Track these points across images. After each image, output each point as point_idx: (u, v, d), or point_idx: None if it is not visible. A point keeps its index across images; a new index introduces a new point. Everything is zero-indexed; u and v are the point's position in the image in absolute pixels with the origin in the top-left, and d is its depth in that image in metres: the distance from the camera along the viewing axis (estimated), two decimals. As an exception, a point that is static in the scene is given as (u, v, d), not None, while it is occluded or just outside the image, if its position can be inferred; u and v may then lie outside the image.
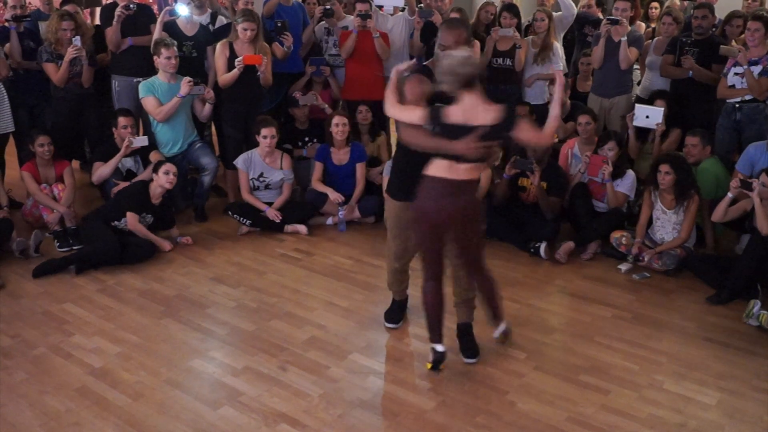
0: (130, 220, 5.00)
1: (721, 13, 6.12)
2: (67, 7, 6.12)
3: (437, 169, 3.35)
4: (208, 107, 5.75)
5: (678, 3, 6.89)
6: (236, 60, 5.43)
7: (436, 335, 3.62)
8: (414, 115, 3.38)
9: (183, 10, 5.79)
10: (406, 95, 3.50)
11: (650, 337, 4.09)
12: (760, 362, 3.83)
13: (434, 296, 3.57)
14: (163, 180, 5.10)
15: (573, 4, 6.59)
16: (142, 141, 5.49)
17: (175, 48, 5.51)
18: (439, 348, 3.60)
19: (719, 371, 3.74)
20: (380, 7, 6.32)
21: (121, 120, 5.48)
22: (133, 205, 5.05)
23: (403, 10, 6.45)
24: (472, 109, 3.28)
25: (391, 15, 6.35)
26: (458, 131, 3.27)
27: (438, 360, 3.60)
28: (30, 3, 6.57)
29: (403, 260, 3.94)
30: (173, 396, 3.47)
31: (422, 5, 6.37)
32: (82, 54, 5.64)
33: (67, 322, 4.16)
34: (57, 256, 4.92)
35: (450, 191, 3.35)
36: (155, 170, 5.15)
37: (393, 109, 3.48)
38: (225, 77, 5.56)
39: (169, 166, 5.14)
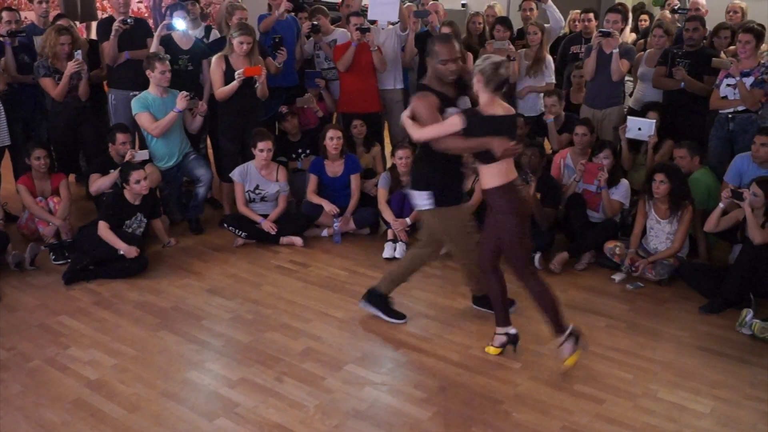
0: (101, 230, 4.94)
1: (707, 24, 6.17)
2: (61, 22, 6.15)
3: (503, 175, 3.68)
4: (198, 119, 5.77)
5: (669, 16, 6.96)
6: (236, 72, 5.45)
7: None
8: (451, 124, 3.65)
9: (180, 24, 5.82)
10: (423, 115, 3.81)
11: (644, 346, 4.11)
12: (754, 371, 3.86)
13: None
14: (136, 189, 5.07)
15: (561, 17, 6.66)
16: (143, 155, 5.50)
17: (168, 62, 5.54)
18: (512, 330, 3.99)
19: (713, 380, 3.76)
20: (373, 22, 6.36)
21: (120, 137, 5.48)
22: (110, 217, 5.02)
23: (394, 24, 6.50)
24: (501, 106, 3.72)
25: (383, 29, 6.39)
26: (501, 122, 3.66)
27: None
28: (26, 18, 6.60)
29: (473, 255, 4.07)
30: (169, 408, 3.47)
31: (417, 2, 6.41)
32: (84, 68, 5.67)
33: (62, 334, 4.16)
34: (53, 269, 4.95)
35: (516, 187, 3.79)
36: (125, 180, 5.11)
37: (424, 132, 3.77)
38: (223, 90, 5.58)
39: (138, 174, 5.07)
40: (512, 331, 3.94)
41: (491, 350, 3.96)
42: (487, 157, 3.63)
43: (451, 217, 4.06)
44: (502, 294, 3.94)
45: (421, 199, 4.01)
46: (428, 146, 3.87)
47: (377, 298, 4.35)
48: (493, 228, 3.81)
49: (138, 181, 5.06)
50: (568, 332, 3.73)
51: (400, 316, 4.36)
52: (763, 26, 5.56)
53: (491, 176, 3.69)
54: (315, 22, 6.34)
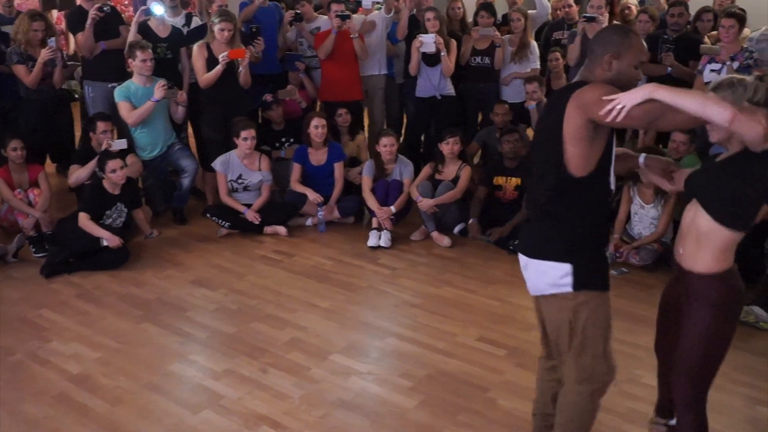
0: (81, 221, 4.90)
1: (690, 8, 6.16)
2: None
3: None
4: (181, 109, 5.71)
5: (662, 1, 6.92)
6: (221, 55, 5.39)
7: None
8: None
9: (158, 10, 5.74)
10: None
11: (630, 331, 4.11)
12: (739, 355, 3.86)
13: None
14: (113, 178, 5.02)
15: (548, 4, 6.63)
16: (120, 144, 5.42)
17: (150, 50, 5.46)
18: None
19: (698, 365, 3.77)
20: (358, 5, 6.31)
21: (101, 125, 5.41)
22: (90, 207, 4.97)
23: (379, 8, 6.44)
24: None
25: (368, 11, 6.34)
26: None
27: None
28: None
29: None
30: (154, 400, 3.44)
31: None
32: (58, 55, 5.58)
33: (44, 328, 4.11)
34: (36, 262, 4.91)
35: None
36: (102, 169, 5.05)
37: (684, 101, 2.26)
38: (207, 76, 5.51)
39: (114, 164, 5.01)
40: None
41: None
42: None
43: (601, 306, 2.80)
44: None
45: (555, 276, 2.62)
46: (572, 182, 2.52)
47: None
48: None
49: (114, 171, 5.00)
50: None
51: None
52: (744, 11, 5.55)
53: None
54: (298, 11, 6.28)
